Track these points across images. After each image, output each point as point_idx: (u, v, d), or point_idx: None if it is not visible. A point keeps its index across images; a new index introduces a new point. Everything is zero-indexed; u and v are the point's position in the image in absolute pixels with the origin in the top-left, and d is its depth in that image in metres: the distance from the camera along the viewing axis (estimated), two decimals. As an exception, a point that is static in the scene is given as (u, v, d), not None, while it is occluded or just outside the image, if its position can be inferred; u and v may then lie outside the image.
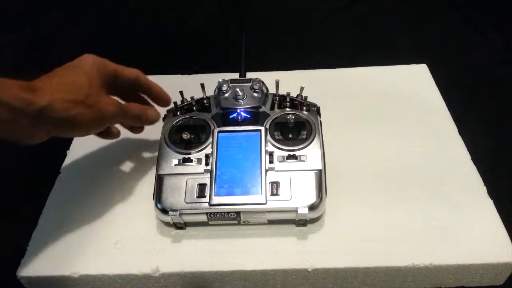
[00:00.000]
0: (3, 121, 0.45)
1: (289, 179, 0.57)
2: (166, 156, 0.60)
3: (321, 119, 0.64)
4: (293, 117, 0.61)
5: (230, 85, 0.65)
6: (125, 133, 0.65)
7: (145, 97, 0.64)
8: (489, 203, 0.60)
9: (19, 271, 0.56)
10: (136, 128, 0.65)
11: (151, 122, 0.63)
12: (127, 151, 0.69)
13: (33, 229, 0.60)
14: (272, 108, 0.64)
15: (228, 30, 1.09)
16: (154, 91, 0.63)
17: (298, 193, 0.56)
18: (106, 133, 0.62)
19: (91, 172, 0.67)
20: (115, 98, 0.58)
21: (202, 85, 0.65)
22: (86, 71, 0.54)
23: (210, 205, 0.55)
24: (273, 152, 0.59)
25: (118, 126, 0.63)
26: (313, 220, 0.58)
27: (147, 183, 0.64)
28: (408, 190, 0.62)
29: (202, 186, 0.57)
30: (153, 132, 0.66)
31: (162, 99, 0.64)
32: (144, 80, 0.62)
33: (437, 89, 0.77)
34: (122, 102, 0.59)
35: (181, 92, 0.65)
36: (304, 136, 0.61)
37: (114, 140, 0.66)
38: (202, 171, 0.58)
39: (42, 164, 0.76)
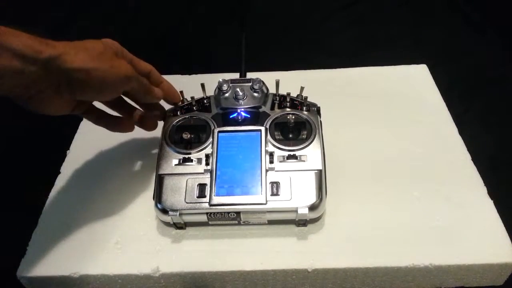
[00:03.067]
0: (13, 71, 0.44)
1: (289, 179, 0.57)
2: (166, 156, 0.60)
3: (321, 119, 0.64)
4: (293, 117, 0.61)
5: (230, 85, 0.65)
6: (125, 134, 0.65)
7: None
8: (489, 203, 0.60)
9: (19, 271, 0.56)
10: (148, 124, 0.64)
11: (156, 98, 0.60)
12: (127, 151, 0.69)
13: (33, 229, 0.60)
14: (272, 108, 0.64)
15: (228, 30, 1.09)
16: (165, 87, 0.63)
17: (298, 193, 0.56)
18: (119, 123, 0.61)
19: (91, 172, 0.67)
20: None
21: (202, 85, 0.65)
22: (104, 43, 0.53)
23: (210, 205, 0.55)
24: (273, 152, 0.59)
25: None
26: (313, 220, 0.58)
27: (147, 183, 0.64)
28: (408, 190, 0.62)
29: (202, 186, 0.57)
30: (153, 132, 0.66)
31: (172, 96, 0.64)
32: (156, 75, 0.61)
33: (437, 89, 0.77)
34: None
35: (181, 92, 0.65)
36: (304, 136, 0.61)
37: (114, 140, 0.66)
38: (202, 171, 0.58)
39: (42, 164, 0.76)
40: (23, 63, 0.44)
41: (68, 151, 0.71)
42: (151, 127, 0.65)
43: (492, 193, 0.61)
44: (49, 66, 0.46)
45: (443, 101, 0.75)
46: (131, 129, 0.63)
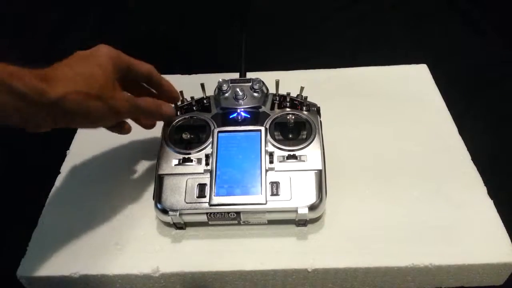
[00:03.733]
0: (15, 109, 0.45)
1: (289, 179, 0.57)
2: (166, 156, 0.60)
3: (321, 119, 0.64)
4: (293, 117, 0.61)
5: (230, 85, 0.65)
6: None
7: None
8: (489, 203, 0.60)
9: (19, 271, 0.56)
10: (148, 124, 0.64)
11: (166, 118, 0.62)
12: (127, 151, 0.69)
13: (33, 229, 0.60)
14: (272, 108, 0.64)
15: (228, 30, 1.09)
16: (165, 87, 0.62)
17: (298, 193, 0.56)
18: (119, 128, 0.61)
19: (91, 172, 0.67)
20: (127, 92, 0.58)
21: (202, 85, 0.65)
22: (102, 63, 0.53)
23: (210, 205, 0.55)
24: (273, 152, 0.59)
25: (129, 121, 0.63)
26: (313, 220, 0.58)
27: (147, 183, 0.64)
28: (408, 190, 0.62)
29: (202, 186, 0.57)
30: (153, 132, 0.65)
31: (171, 96, 0.64)
32: (156, 76, 0.61)
33: (437, 89, 0.77)
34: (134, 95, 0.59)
35: (181, 92, 0.65)
36: (304, 136, 0.61)
37: (114, 140, 0.66)
38: (202, 171, 0.58)
39: (42, 164, 0.76)
40: (27, 104, 0.45)
41: (68, 151, 0.71)
42: (150, 127, 0.65)
43: (492, 193, 0.61)
44: (53, 106, 0.47)
45: (443, 101, 0.75)
46: (129, 131, 0.63)
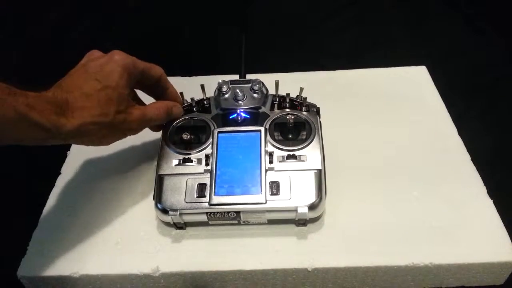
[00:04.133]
0: (32, 138, 0.48)
1: (288, 179, 0.57)
2: (167, 157, 0.60)
3: (320, 120, 0.64)
4: (292, 118, 0.61)
5: (230, 86, 0.65)
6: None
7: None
8: (489, 203, 0.60)
9: (19, 271, 0.56)
10: (155, 127, 0.65)
11: (175, 119, 0.64)
12: (128, 151, 0.69)
13: (33, 229, 0.60)
14: (272, 109, 0.64)
15: (228, 31, 1.09)
16: (170, 91, 0.63)
17: (298, 193, 0.56)
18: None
19: (91, 172, 0.67)
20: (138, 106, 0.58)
21: (202, 86, 0.65)
22: (116, 81, 0.54)
23: (210, 205, 0.55)
24: (273, 152, 0.59)
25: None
26: (313, 220, 0.58)
27: (147, 183, 0.64)
28: (408, 190, 0.62)
29: (202, 186, 0.57)
30: (153, 132, 0.66)
31: (176, 100, 0.64)
32: (165, 80, 0.62)
33: (436, 90, 0.77)
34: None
35: (181, 94, 0.65)
36: (304, 136, 0.61)
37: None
38: (202, 171, 0.58)
39: (42, 164, 0.76)
40: (45, 135, 0.48)
41: (68, 152, 0.71)
42: (157, 129, 0.65)
43: (492, 193, 0.61)
44: (67, 136, 0.50)
45: (442, 101, 0.75)
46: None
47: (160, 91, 0.63)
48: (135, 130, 0.58)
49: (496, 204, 0.59)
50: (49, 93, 0.49)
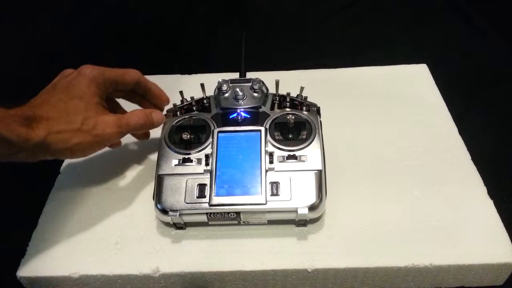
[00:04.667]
0: (4, 155, 0.48)
1: (289, 179, 0.57)
2: (166, 156, 0.60)
3: (321, 119, 0.64)
4: (293, 117, 0.61)
5: (230, 85, 0.65)
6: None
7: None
8: (489, 203, 0.60)
9: (19, 271, 0.56)
10: (140, 135, 0.66)
11: (156, 126, 0.62)
12: (127, 151, 0.69)
13: (33, 229, 0.60)
14: (272, 108, 0.64)
15: (228, 30, 1.09)
16: (153, 92, 0.63)
17: (298, 193, 0.56)
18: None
19: (91, 172, 0.67)
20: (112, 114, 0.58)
21: (202, 85, 0.64)
22: (83, 91, 0.54)
23: (210, 205, 0.55)
24: (273, 152, 0.59)
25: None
26: (313, 220, 0.58)
27: (147, 183, 0.64)
28: (408, 190, 0.62)
29: (202, 186, 0.57)
30: (153, 132, 0.66)
31: (161, 100, 0.64)
32: (144, 82, 0.62)
33: (437, 89, 0.77)
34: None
35: (181, 92, 0.65)
36: (304, 136, 0.61)
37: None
38: (202, 171, 0.58)
39: (42, 164, 0.75)
40: (12, 148, 0.47)
41: (68, 151, 0.70)
42: (144, 138, 0.66)
43: (492, 193, 0.61)
44: (37, 149, 0.50)
45: (443, 100, 0.75)
46: (119, 145, 0.64)
47: (143, 93, 0.63)
48: (110, 136, 0.55)
49: (496, 204, 0.59)
50: (16, 109, 0.50)
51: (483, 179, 0.63)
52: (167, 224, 0.59)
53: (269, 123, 0.62)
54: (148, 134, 0.66)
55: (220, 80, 0.65)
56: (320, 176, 0.57)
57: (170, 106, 0.66)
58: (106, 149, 0.69)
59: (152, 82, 0.63)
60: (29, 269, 0.56)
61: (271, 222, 0.58)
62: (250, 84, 0.65)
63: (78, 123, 0.52)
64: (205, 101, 0.66)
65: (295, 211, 0.55)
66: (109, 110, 0.58)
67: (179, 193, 0.57)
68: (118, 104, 0.65)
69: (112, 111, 0.59)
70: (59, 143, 0.51)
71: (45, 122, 0.50)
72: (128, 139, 0.69)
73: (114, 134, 0.56)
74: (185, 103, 0.65)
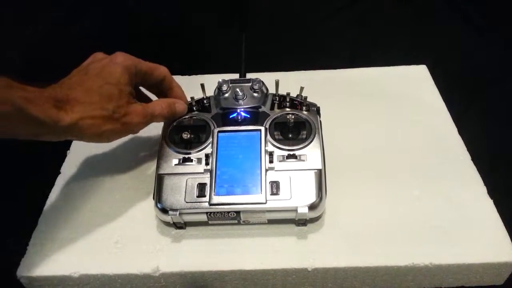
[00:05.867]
0: (31, 133, 0.47)
1: (289, 179, 0.57)
2: (166, 156, 0.60)
3: (321, 119, 0.64)
4: (293, 117, 0.61)
5: (230, 85, 0.65)
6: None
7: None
8: (489, 203, 0.60)
9: (19, 270, 0.56)
10: None
11: (178, 116, 0.63)
12: (127, 151, 0.69)
13: (33, 229, 0.60)
14: (272, 108, 0.64)
15: (228, 30, 1.09)
16: (175, 93, 0.64)
17: (298, 193, 0.56)
18: None
19: (91, 172, 0.67)
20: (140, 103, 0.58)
21: (202, 85, 0.65)
22: (117, 78, 0.54)
23: (210, 204, 0.55)
24: (273, 151, 0.59)
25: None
26: (313, 220, 0.58)
27: (147, 183, 0.64)
28: (408, 190, 0.62)
29: (202, 186, 0.57)
30: (153, 132, 0.66)
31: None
32: (169, 81, 0.63)
33: (436, 89, 0.77)
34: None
35: (180, 93, 0.65)
36: (304, 136, 0.61)
37: (114, 141, 0.66)
38: (202, 171, 0.58)
39: (42, 164, 0.76)
40: (42, 129, 0.47)
41: (68, 151, 0.71)
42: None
43: (492, 193, 0.61)
44: (67, 131, 0.50)
45: (442, 101, 0.75)
46: None
47: (165, 90, 0.63)
48: (136, 125, 0.57)
49: (496, 204, 0.59)
50: (49, 89, 0.50)
51: (483, 179, 0.63)
52: (167, 223, 0.59)
53: (269, 122, 0.62)
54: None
55: (220, 80, 0.65)
56: (320, 176, 0.57)
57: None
58: (106, 148, 0.69)
59: (177, 83, 0.64)
60: (29, 269, 0.56)
61: (271, 222, 0.58)
62: (250, 84, 0.65)
63: (110, 110, 0.53)
64: (205, 101, 0.66)
65: (295, 210, 0.55)
66: (136, 99, 0.59)
67: (179, 192, 0.57)
68: (142, 92, 0.65)
69: (138, 99, 0.60)
70: (91, 128, 0.51)
71: (79, 106, 0.50)
72: (128, 139, 0.69)
73: (141, 123, 0.57)
74: (185, 103, 0.65)
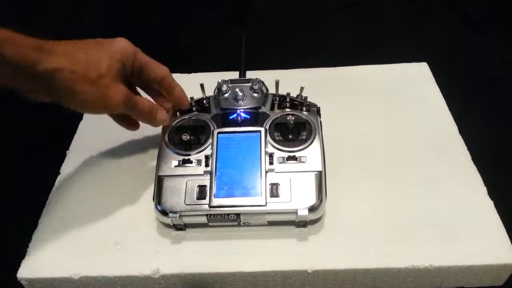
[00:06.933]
0: (7, 76, 0.46)
1: (289, 181, 0.56)
2: (166, 158, 0.60)
3: (321, 120, 0.64)
4: (293, 118, 0.60)
5: (230, 85, 0.65)
6: (125, 134, 0.65)
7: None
8: (489, 203, 0.60)
9: (19, 272, 0.56)
10: (132, 124, 0.63)
11: (158, 124, 0.61)
12: (127, 152, 0.69)
13: (33, 230, 0.60)
14: (272, 109, 0.64)
15: (228, 29, 1.08)
16: (176, 94, 0.61)
17: (298, 195, 0.56)
18: (123, 121, 0.62)
19: (91, 173, 0.67)
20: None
21: (202, 86, 0.64)
22: (112, 53, 0.53)
23: (210, 206, 0.55)
24: (273, 153, 0.59)
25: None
26: (313, 221, 0.58)
27: (147, 185, 0.64)
28: (408, 190, 0.62)
29: (202, 188, 0.57)
30: (153, 133, 0.65)
31: (180, 103, 0.63)
32: (170, 82, 0.60)
33: (437, 88, 0.77)
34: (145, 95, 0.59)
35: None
36: (304, 137, 0.61)
37: (114, 141, 0.66)
38: (202, 173, 0.58)
39: (42, 164, 0.76)
40: (18, 72, 0.45)
41: (68, 151, 0.71)
42: (134, 128, 0.64)
43: (492, 193, 0.61)
44: (40, 78, 0.47)
45: (443, 99, 0.74)
46: (136, 128, 0.63)
47: (165, 91, 0.61)
48: (116, 103, 0.53)
49: (496, 204, 0.59)
50: (36, 39, 0.47)
51: (483, 179, 0.63)
52: (167, 225, 0.59)
53: (269, 123, 0.62)
54: (136, 125, 0.64)
55: (220, 81, 0.64)
56: (320, 177, 0.57)
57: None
58: (106, 149, 0.69)
59: (178, 84, 0.62)
60: (29, 271, 0.56)
61: (271, 223, 0.58)
62: (250, 84, 0.64)
63: (94, 75, 0.50)
64: (204, 102, 0.65)
65: (295, 212, 0.55)
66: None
67: (179, 194, 0.57)
68: (137, 91, 0.63)
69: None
70: (67, 81, 0.48)
71: (62, 57, 0.48)
72: (128, 140, 0.69)
73: (120, 104, 0.53)
74: (184, 104, 0.65)
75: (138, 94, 0.63)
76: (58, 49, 0.48)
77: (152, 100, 0.61)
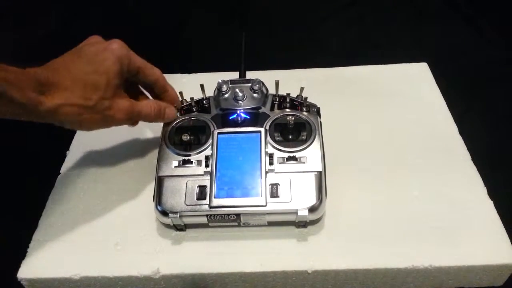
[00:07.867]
0: (11, 114, 0.47)
1: (289, 181, 0.57)
2: (166, 158, 0.60)
3: (321, 120, 0.64)
4: (293, 118, 0.60)
5: (230, 85, 0.65)
6: (125, 134, 0.65)
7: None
8: (489, 204, 0.60)
9: (19, 272, 0.56)
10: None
11: (166, 121, 0.63)
12: (127, 152, 0.69)
13: (33, 231, 0.60)
14: (272, 109, 0.64)
15: (228, 29, 1.08)
16: (168, 96, 0.63)
17: (298, 195, 0.56)
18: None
19: (91, 173, 0.67)
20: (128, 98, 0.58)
21: (202, 86, 0.64)
22: (107, 68, 0.53)
23: (210, 207, 0.55)
24: (273, 153, 0.59)
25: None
26: (313, 222, 0.58)
27: (147, 185, 0.64)
28: (408, 191, 0.62)
29: (202, 188, 0.57)
30: (153, 133, 0.65)
31: (172, 104, 0.64)
32: (162, 83, 0.62)
33: (437, 88, 0.77)
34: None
35: (180, 93, 0.64)
36: (304, 137, 0.61)
37: (114, 141, 0.65)
38: (202, 173, 0.58)
39: (42, 164, 0.76)
40: (24, 112, 0.47)
41: (68, 152, 0.71)
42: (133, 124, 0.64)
43: (492, 193, 0.61)
44: (45, 115, 0.49)
45: (443, 100, 0.74)
46: (136, 124, 0.63)
47: (158, 93, 0.63)
48: (118, 121, 0.56)
49: (496, 205, 0.59)
50: (32, 70, 0.48)
51: (483, 179, 0.63)
52: (167, 225, 0.59)
53: (269, 124, 0.62)
54: (136, 122, 0.64)
55: (220, 81, 0.64)
56: (320, 178, 0.57)
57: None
58: (106, 149, 0.69)
59: (171, 87, 0.63)
60: (29, 271, 0.56)
61: (271, 224, 0.58)
62: (250, 84, 0.64)
63: (94, 100, 0.52)
64: (204, 102, 0.65)
65: (295, 212, 0.55)
66: (131, 93, 0.59)
67: (179, 194, 0.57)
68: (139, 88, 0.64)
69: (133, 94, 0.60)
70: (70, 115, 0.51)
71: (61, 91, 0.49)
72: (128, 140, 0.69)
73: (124, 120, 0.56)
74: (185, 104, 0.65)
75: (142, 93, 0.64)
76: (58, 82, 0.50)
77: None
